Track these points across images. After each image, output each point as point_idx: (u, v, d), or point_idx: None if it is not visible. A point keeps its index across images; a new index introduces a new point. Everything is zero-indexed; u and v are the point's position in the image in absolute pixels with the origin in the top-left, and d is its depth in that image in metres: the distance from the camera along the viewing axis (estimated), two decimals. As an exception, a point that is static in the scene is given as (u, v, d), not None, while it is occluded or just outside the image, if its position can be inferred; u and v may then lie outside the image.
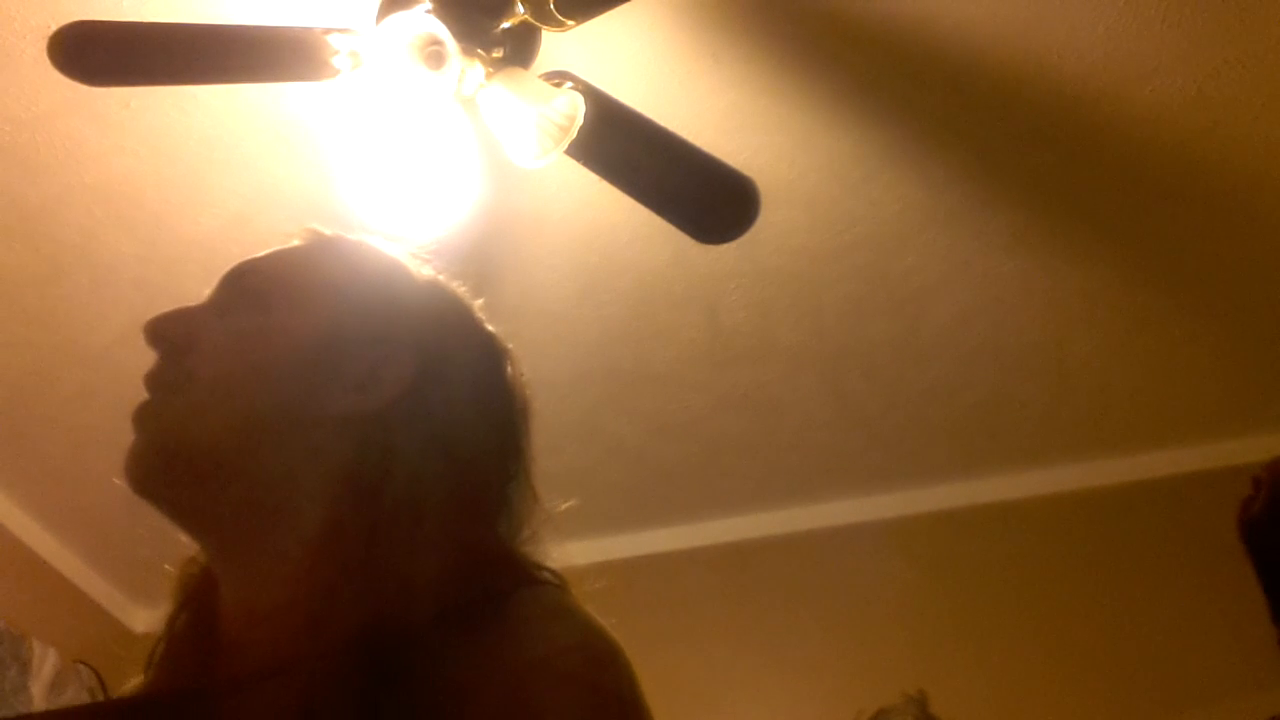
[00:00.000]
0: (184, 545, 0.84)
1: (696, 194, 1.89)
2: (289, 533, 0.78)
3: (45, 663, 2.95)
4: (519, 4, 1.74)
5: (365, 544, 0.74)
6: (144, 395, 0.82)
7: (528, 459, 0.86)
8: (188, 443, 0.79)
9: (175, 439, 0.80)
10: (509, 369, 0.89)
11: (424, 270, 0.90)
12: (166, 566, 0.85)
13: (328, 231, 0.91)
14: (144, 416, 0.81)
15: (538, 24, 1.76)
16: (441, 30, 1.63)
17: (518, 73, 1.78)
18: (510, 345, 0.90)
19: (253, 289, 0.85)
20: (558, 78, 1.79)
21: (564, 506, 0.86)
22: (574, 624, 0.73)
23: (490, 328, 0.90)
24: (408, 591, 0.72)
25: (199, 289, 0.89)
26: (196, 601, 0.82)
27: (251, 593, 0.78)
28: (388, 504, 0.76)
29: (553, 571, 0.80)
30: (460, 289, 0.91)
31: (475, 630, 0.70)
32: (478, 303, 0.91)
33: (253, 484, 0.79)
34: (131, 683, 0.86)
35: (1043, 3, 1.98)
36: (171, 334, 0.83)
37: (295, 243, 0.90)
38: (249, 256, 0.89)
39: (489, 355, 0.88)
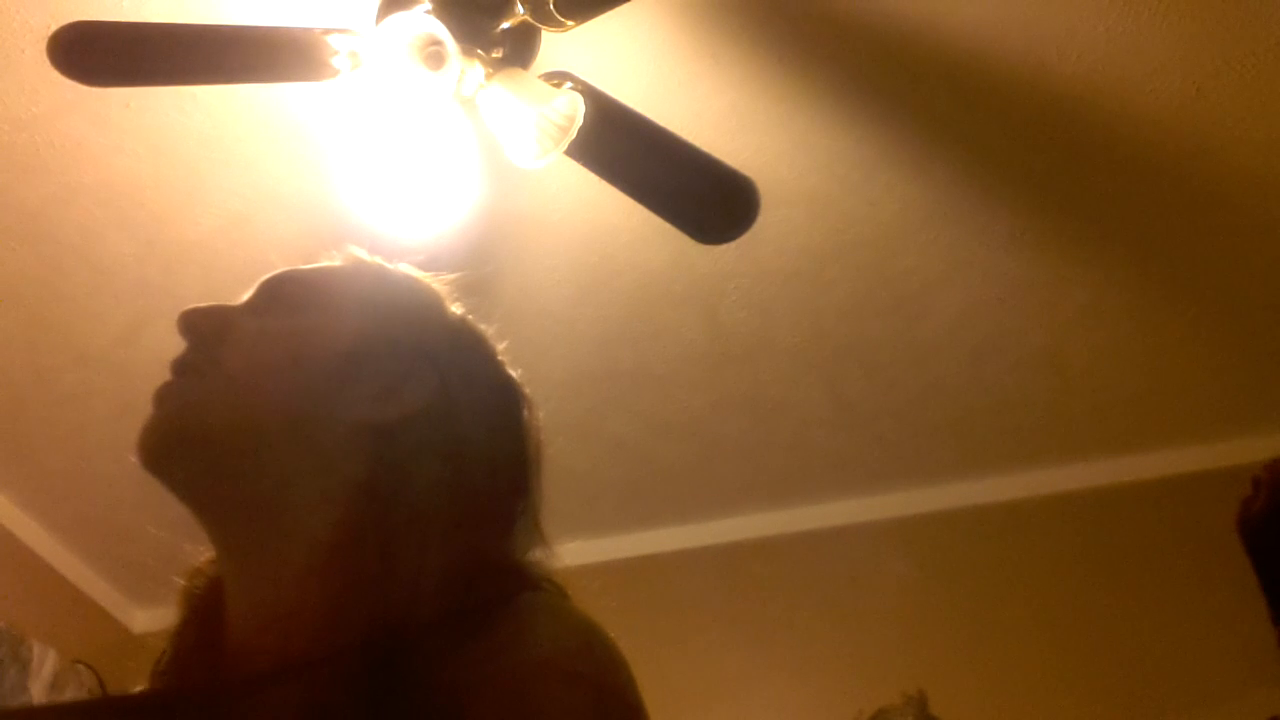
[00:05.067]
0: (187, 548, 0.85)
1: (696, 194, 1.89)
2: (299, 535, 0.79)
3: (45, 663, 2.95)
4: (519, 4, 1.74)
5: (376, 551, 0.75)
6: (166, 378, 0.84)
7: (537, 499, 0.88)
8: (203, 426, 0.80)
9: (191, 420, 0.81)
10: (526, 411, 0.90)
11: (456, 306, 0.93)
12: (175, 578, 0.86)
13: (368, 256, 0.93)
14: (164, 395, 0.82)
15: (537, 24, 1.76)
16: (441, 30, 1.63)
17: (517, 73, 1.78)
18: (528, 388, 0.92)
19: (288, 294, 0.88)
20: (557, 78, 1.79)
21: (568, 545, 0.87)
22: (574, 626, 0.74)
23: (513, 372, 0.92)
24: (413, 598, 0.73)
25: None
26: (203, 612, 0.83)
27: (258, 596, 0.79)
28: (399, 514, 0.77)
29: (554, 582, 0.81)
30: (488, 329, 0.93)
31: (477, 634, 0.71)
32: (502, 346, 0.93)
33: (263, 476, 0.80)
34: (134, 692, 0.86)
35: (1043, 3, 1.98)
36: (203, 326, 0.85)
37: (337, 262, 0.93)
38: (290, 266, 0.91)
39: (508, 393, 0.90)
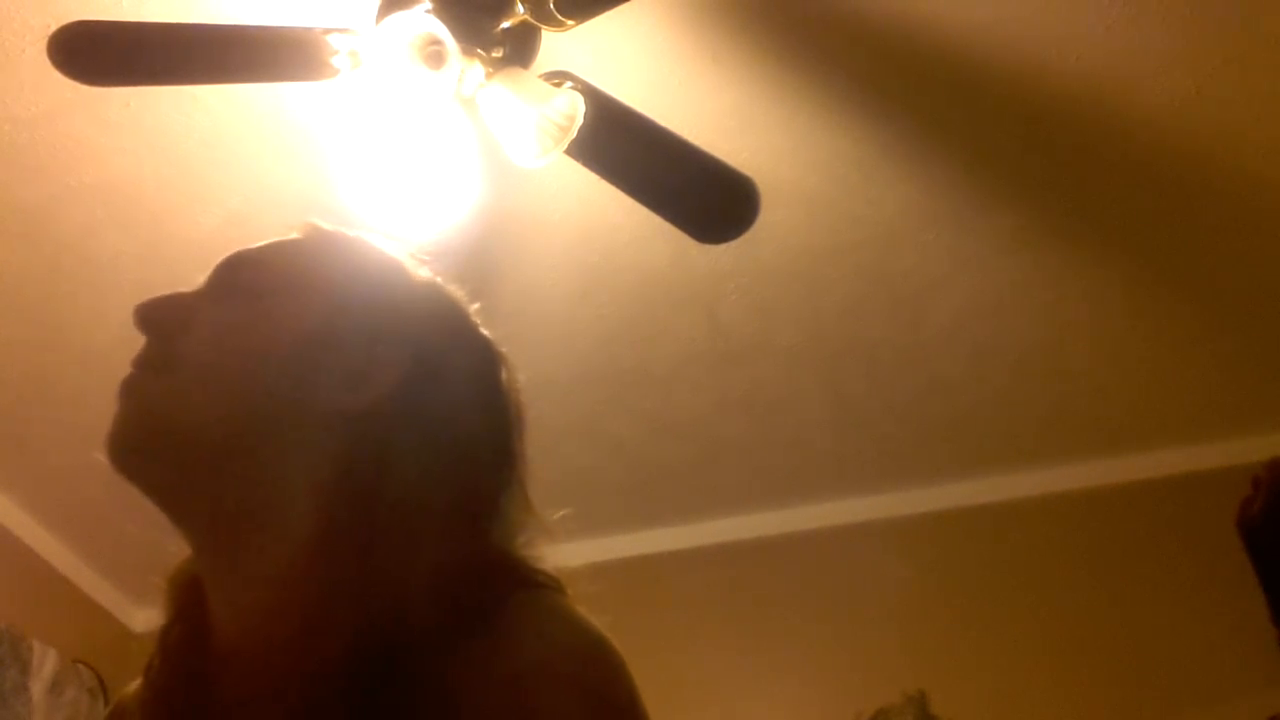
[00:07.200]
0: (172, 547, 0.83)
1: (696, 194, 1.89)
2: (275, 534, 0.76)
3: (45, 663, 2.95)
4: (519, 4, 1.74)
5: (361, 547, 0.73)
6: (129, 373, 0.81)
7: (522, 465, 0.85)
8: (169, 424, 0.78)
9: (156, 418, 0.78)
10: (504, 374, 0.87)
11: (422, 271, 0.89)
12: (154, 580, 0.84)
13: (327, 226, 0.89)
14: (128, 391, 0.79)
15: (538, 24, 1.76)
16: (441, 30, 1.63)
17: (518, 72, 1.78)
18: (506, 350, 0.88)
19: (247, 279, 0.83)
20: (558, 78, 1.79)
21: (559, 515, 0.84)
22: (570, 628, 0.72)
23: (486, 332, 0.88)
24: (403, 596, 0.71)
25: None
26: (188, 612, 0.81)
27: (238, 598, 0.77)
28: (383, 505, 0.75)
29: (549, 575, 0.78)
30: (458, 292, 0.89)
31: (471, 635, 0.69)
32: (475, 306, 0.89)
33: (235, 473, 0.77)
34: (130, 688, 0.85)
35: (1043, 3, 1.98)
36: (162, 318, 0.81)
37: (294, 235, 0.88)
38: (245, 246, 0.87)
39: (484, 358, 0.87)
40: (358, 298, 0.84)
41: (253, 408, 0.78)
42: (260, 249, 0.86)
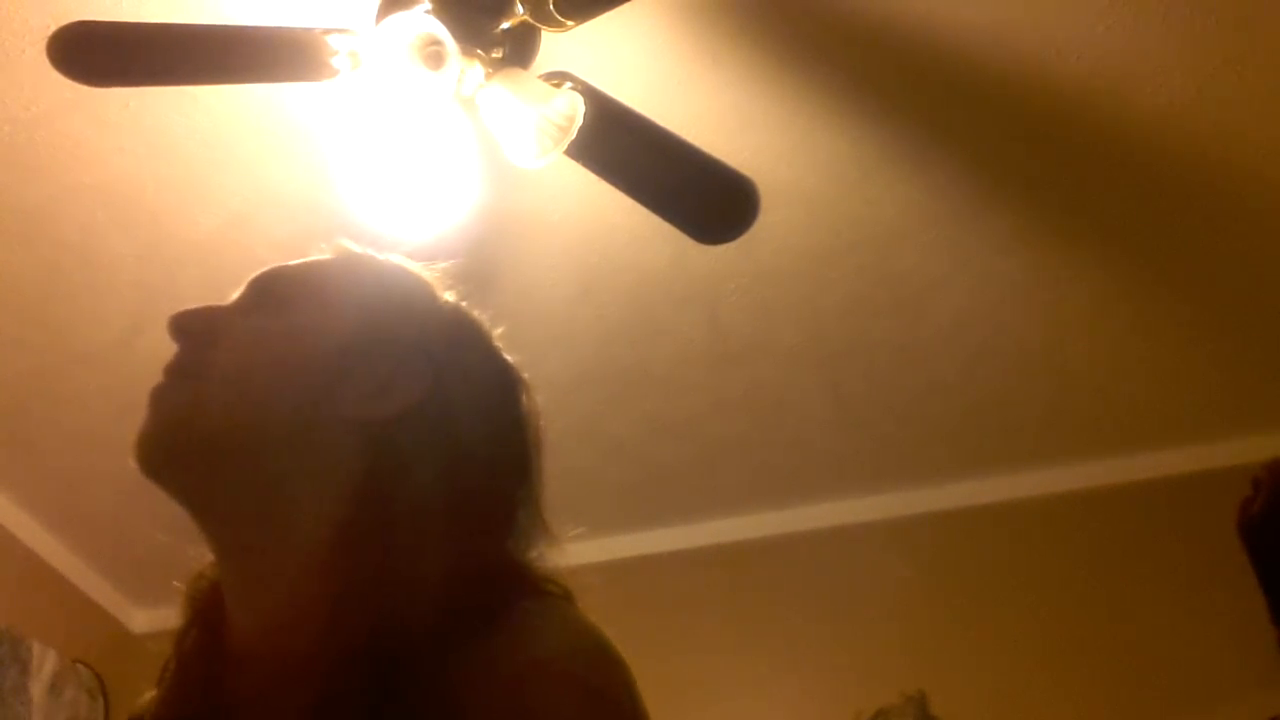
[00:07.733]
0: (190, 551, 0.84)
1: (696, 194, 1.89)
2: (297, 536, 0.78)
3: (45, 663, 2.95)
4: (519, 4, 1.74)
5: (378, 551, 0.75)
6: (159, 380, 0.83)
7: (538, 487, 0.87)
8: (198, 429, 0.80)
9: (185, 422, 0.80)
10: (524, 398, 0.90)
11: (448, 295, 0.92)
12: (176, 582, 0.86)
13: (358, 248, 0.92)
14: (157, 397, 0.82)
15: (537, 24, 1.76)
16: (441, 30, 1.63)
17: (517, 73, 1.78)
18: (527, 375, 0.91)
19: (278, 292, 0.87)
20: (557, 78, 1.79)
21: (574, 533, 0.86)
22: (573, 631, 0.74)
23: (509, 357, 0.91)
24: (416, 599, 0.72)
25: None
26: (205, 617, 0.83)
27: (258, 601, 0.79)
28: (398, 514, 0.77)
29: (559, 584, 0.80)
30: (482, 316, 0.92)
31: (478, 638, 0.71)
32: (497, 332, 0.92)
33: (260, 478, 0.80)
34: (145, 698, 0.86)
35: (1043, 3, 1.98)
36: (194, 328, 0.84)
37: (326, 256, 0.92)
38: (279, 263, 0.90)
39: (505, 381, 0.89)
40: (384, 314, 0.88)
41: (277, 416, 0.81)
42: (292, 265, 0.90)
